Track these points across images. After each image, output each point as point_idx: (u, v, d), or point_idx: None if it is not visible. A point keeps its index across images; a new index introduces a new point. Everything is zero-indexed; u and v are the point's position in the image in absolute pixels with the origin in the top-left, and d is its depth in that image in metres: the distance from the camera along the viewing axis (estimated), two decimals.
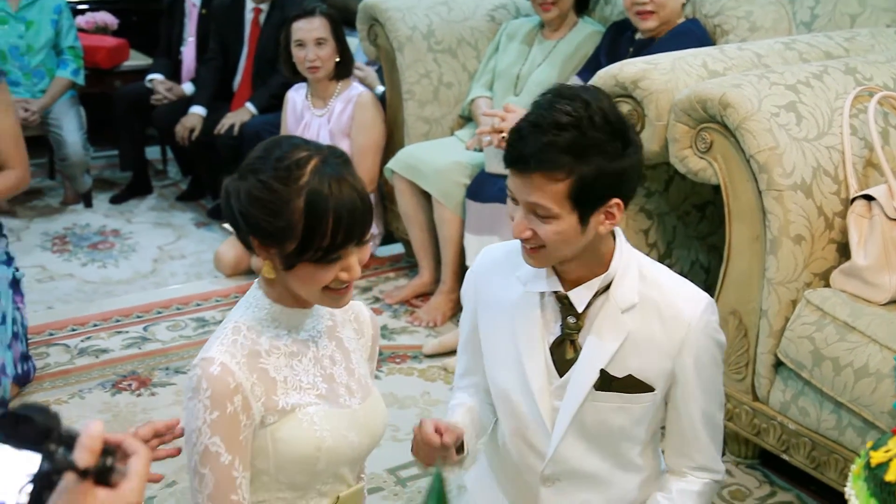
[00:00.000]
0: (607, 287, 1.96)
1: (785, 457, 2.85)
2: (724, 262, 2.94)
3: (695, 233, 3.52)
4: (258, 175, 1.72)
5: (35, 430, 1.03)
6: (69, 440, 1.05)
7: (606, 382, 1.97)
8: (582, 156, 1.80)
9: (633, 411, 1.99)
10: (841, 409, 2.65)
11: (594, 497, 2.09)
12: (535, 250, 1.91)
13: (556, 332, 2.00)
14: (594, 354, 1.96)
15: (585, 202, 1.84)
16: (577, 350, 1.99)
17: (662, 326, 1.95)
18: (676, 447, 2.05)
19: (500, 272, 2.06)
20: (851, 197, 2.77)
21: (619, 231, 1.98)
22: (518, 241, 1.96)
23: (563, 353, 2.00)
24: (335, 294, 1.78)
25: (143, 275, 4.65)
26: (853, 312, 2.65)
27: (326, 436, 1.83)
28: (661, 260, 3.40)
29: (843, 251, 2.79)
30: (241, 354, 1.78)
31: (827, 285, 2.79)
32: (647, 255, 3.37)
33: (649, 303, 1.96)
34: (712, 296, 3.02)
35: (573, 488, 2.09)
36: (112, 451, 1.09)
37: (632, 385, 1.97)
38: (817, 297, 2.72)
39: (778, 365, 2.83)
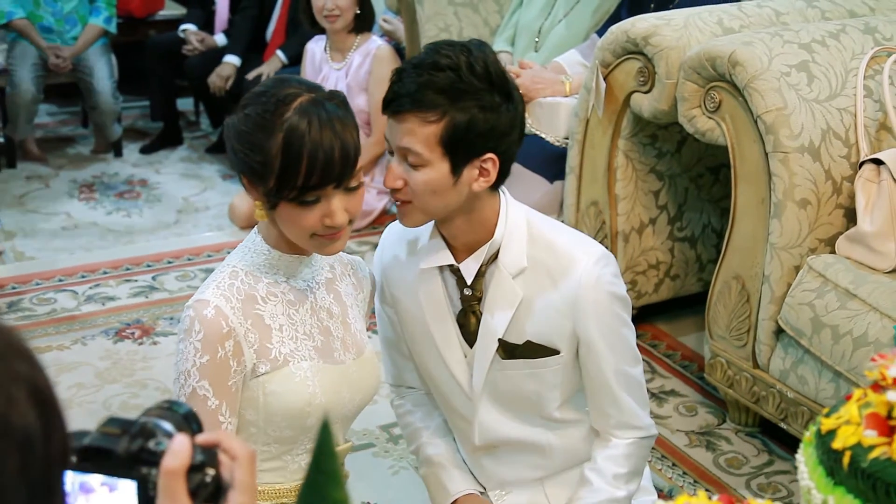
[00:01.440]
0: (497, 254, 1.91)
1: (783, 425, 2.79)
2: (729, 226, 2.87)
3: (708, 196, 3.43)
4: (246, 109, 1.72)
5: (119, 460, 0.95)
6: (160, 458, 0.96)
7: (509, 350, 1.93)
8: (457, 99, 1.76)
9: (543, 376, 1.95)
10: (839, 379, 2.58)
11: (537, 461, 2.06)
12: (404, 205, 1.85)
13: (458, 304, 1.97)
14: (490, 324, 1.93)
15: (457, 150, 1.78)
16: (479, 320, 1.95)
17: (554, 287, 1.89)
18: (596, 407, 2.00)
19: (402, 249, 2.03)
20: (860, 161, 2.68)
21: (505, 194, 1.92)
22: None
23: (469, 325, 1.97)
24: (322, 240, 1.75)
25: (167, 225, 4.66)
26: (856, 280, 2.56)
27: (318, 392, 1.81)
28: (671, 223, 3.35)
29: (851, 217, 2.71)
30: (236, 299, 1.77)
31: (833, 251, 2.71)
32: (657, 217, 3.33)
33: (539, 265, 1.90)
34: (716, 259, 2.96)
35: (511, 455, 2.06)
36: (211, 460, 0.99)
37: (535, 350, 1.93)
38: (820, 264, 2.64)
39: (779, 332, 2.76)
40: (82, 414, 2.96)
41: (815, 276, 2.63)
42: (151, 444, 0.96)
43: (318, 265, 1.90)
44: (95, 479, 0.94)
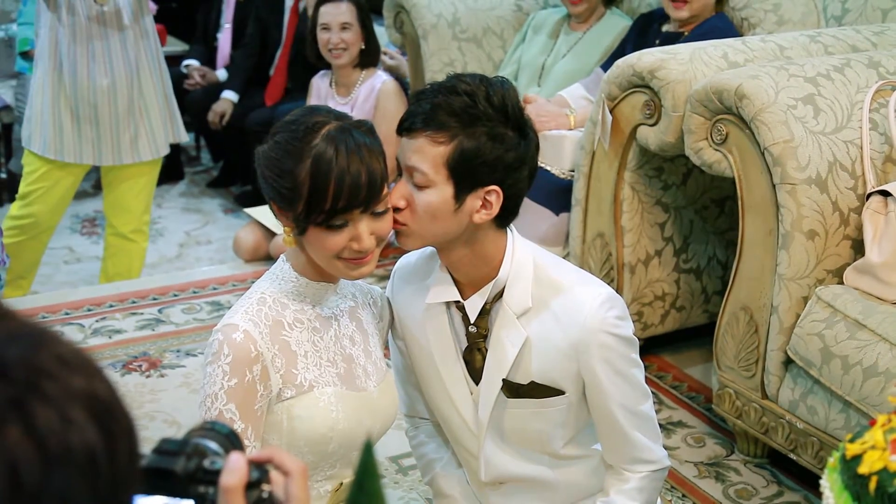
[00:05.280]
0: (502, 292, 1.91)
1: (793, 456, 2.79)
2: (736, 257, 2.88)
3: (713, 228, 3.46)
4: (276, 136, 1.77)
5: (178, 480, 0.96)
6: (216, 476, 0.98)
7: (513, 390, 1.93)
8: (468, 124, 1.77)
9: (549, 415, 1.94)
10: (849, 409, 2.59)
11: (543, 495, 2.06)
12: (402, 227, 1.83)
13: (465, 340, 1.97)
14: (495, 363, 1.93)
15: (462, 175, 1.78)
16: (485, 357, 1.95)
17: (559, 328, 1.88)
18: (607, 445, 1.99)
19: (412, 282, 2.03)
20: (867, 192, 2.70)
21: (513, 232, 1.92)
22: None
23: (474, 362, 1.97)
24: (350, 263, 1.78)
25: (169, 259, 4.69)
26: (864, 310, 2.58)
27: (341, 417, 1.83)
28: (676, 254, 3.36)
29: (859, 248, 2.73)
30: (264, 324, 1.79)
31: (841, 282, 2.73)
32: (663, 249, 3.35)
33: (544, 305, 1.89)
34: (723, 291, 2.98)
35: (518, 492, 2.06)
36: (264, 476, 1.00)
37: (539, 390, 1.92)
38: (828, 294, 2.66)
39: (788, 363, 2.77)
40: None
41: (823, 307, 2.65)
42: (207, 463, 0.98)
43: (343, 294, 1.94)
44: (156, 501, 0.95)
